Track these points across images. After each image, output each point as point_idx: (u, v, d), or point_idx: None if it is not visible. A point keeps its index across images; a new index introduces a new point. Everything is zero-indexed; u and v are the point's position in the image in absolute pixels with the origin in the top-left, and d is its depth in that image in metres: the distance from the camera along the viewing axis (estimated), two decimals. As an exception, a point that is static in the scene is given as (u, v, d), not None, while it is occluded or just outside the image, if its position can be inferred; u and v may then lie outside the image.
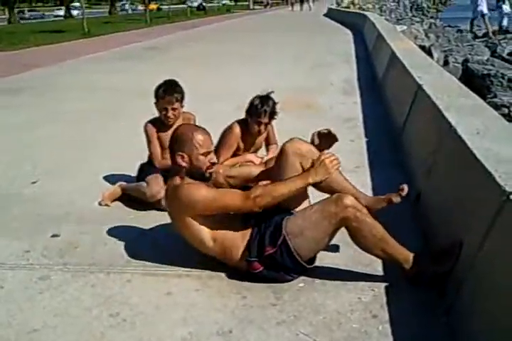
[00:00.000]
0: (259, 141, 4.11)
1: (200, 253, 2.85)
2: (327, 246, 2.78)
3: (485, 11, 22.97)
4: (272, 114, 3.86)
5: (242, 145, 3.99)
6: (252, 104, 3.86)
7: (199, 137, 2.79)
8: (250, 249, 2.71)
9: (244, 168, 3.79)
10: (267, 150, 4.21)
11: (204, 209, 2.69)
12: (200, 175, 2.80)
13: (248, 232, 2.74)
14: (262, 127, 3.89)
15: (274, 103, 3.87)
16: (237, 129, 3.92)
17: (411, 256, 2.62)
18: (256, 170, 3.59)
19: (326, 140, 3.26)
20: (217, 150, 4.01)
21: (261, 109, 3.80)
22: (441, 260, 2.56)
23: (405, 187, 2.99)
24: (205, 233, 2.74)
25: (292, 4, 50.68)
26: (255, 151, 4.17)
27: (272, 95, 3.89)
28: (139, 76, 9.69)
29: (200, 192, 2.67)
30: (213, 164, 2.84)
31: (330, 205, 2.62)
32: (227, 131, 3.96)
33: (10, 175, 4.62)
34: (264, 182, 3.57)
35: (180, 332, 2.36)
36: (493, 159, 2.56)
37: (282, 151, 3.05)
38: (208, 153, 2.81)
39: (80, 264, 3.01)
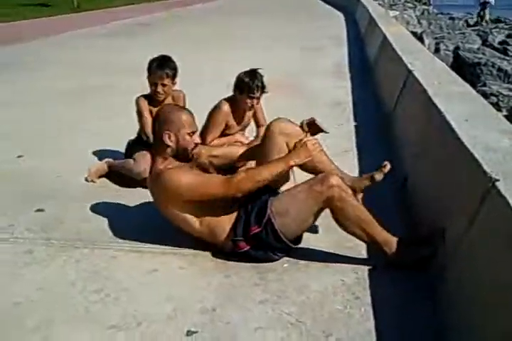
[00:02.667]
0: (247, 118, 4.13)
1: (186, 233, 2.85)
2: (312, 226, 2.80)
3: None
4: (263, 88, 3.89)
5: (231, 122, 4.00)
6: (241, 80, 3.87)
7: (185, 117, 2.79)
8: (236, 229, 2.72)
9: (227, 148, 3.81)
10: (258, 131, 4.22)
11: (186, 196, 2.69)
12: (185, 155, 2.80)
13: (235, 212, 2.75)
14: (255, 101, 3.92)
15: (262, 76, 3.90)
16: (225, 107, 3.94)
17: (393, 239, 2.64)
18: (239, 150, 3.60)
19: (313, 129, 3.28)
20: (205, 129, 4.02)
21: (253, 84, 3.82)
22: (423, 245, 2.60)
23: (388, 165, 3.03)
24: (189, 215, 2.75)
25: None
26: (243, 129, 4.18)
27: (261, 74, 3.90)
28: (131, 53, 9.59)
29: (183, 179, 2.66)
30: (196, 145, 2.84)
31: (316, 184, 2.63)
32: (215, 110, 3.96)
33: (-4, 150, 4.58)
34: (251, 163, 3.59)
35: (164, 309, 2.37)
36: (480, 147, 2.57)
37: (268, 130, 3.08)
38: (193, 133, 2.81)
39: (65, 239, 3.01)
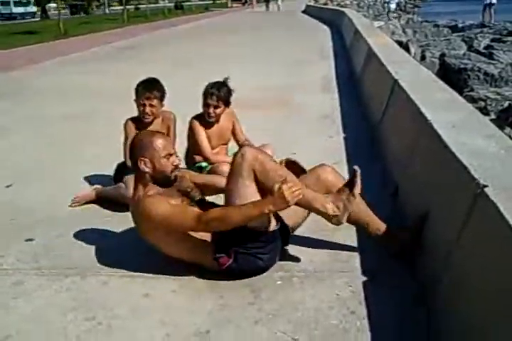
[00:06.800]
0: (224, 133, 4.18)
1: (170, 257, 2.82)
2: (305, 241, 2.79)
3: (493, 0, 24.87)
4: (219, 98, 3.92)
5: (208, 135, 4.06)
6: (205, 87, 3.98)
7: (159, 141, 2.76)
8: (216, 247, 2.69)
9: (210, 177, 3.78)
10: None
11: (161, 226, 2.67)
12: (165, 179, 2.76)
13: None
14: (211, 110, 3.96)
15: (228, 89, 3.95)
16: (195, 122, 4.05)
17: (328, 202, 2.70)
18: (222, 180, 3.61)
19: (293, 169, 3.13)
20: (196, 148, 4.05)
21: (208, 90, 3.92)
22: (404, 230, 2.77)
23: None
24: (169, 239, 2.73)
25: (251, 3, 48.07)
26: (225, 143, 4.23)
27: (231, 84, 3.98)
28: (117, 77, 9.60)
29: (159, 210, 2.62)
30: (176, 166, 2.80)
31: (235, 163, 2.72)
32: (190, 128, 4.09)
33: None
34: None
35: (158, 335, 2.33)
36: (468, 153, 2.56)
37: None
38: (170, 155, 2.77)
39: (55, 268, 2.96)
